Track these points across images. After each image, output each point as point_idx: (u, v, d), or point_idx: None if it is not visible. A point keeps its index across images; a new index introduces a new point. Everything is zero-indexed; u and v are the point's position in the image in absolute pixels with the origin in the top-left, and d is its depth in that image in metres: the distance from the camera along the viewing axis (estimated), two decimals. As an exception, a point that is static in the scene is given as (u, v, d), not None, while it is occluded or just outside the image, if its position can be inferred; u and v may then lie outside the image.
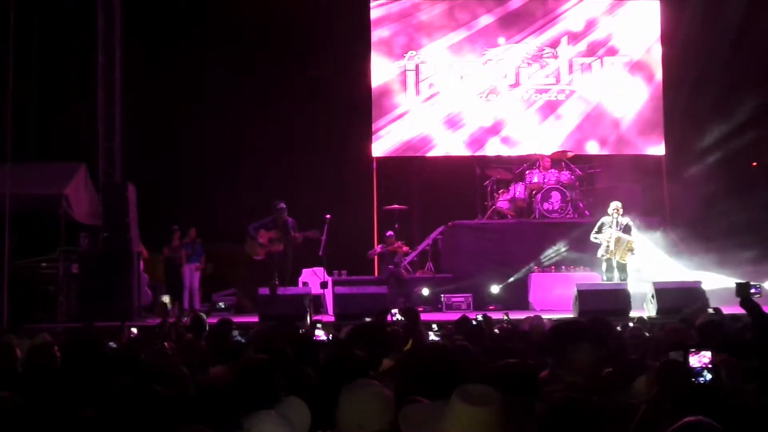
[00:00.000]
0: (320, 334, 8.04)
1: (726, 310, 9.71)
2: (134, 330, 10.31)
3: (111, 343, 8.02)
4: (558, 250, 17.15)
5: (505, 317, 11.39)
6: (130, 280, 15.57)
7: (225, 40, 19.81)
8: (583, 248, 16.54)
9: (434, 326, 9.29)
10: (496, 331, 9.75)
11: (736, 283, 7.93)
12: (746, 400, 4.62)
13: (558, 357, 4.95)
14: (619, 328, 8.82)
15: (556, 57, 20.33)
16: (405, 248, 17.81)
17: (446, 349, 4.91)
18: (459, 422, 3.27)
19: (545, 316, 11.52)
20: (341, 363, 4.96)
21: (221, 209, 19.00)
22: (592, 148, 20.30)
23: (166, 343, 7.96)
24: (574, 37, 20.38)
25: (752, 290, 7.86)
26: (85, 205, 16.90)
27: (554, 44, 20.34)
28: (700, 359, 4.70)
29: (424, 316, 13.96)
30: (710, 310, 9.83)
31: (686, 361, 4.64)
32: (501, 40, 20.30)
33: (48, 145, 18.24)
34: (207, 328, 9.57)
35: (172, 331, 9.85)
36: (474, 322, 9.42)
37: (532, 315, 11.42)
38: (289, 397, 3.80)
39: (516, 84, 20.30)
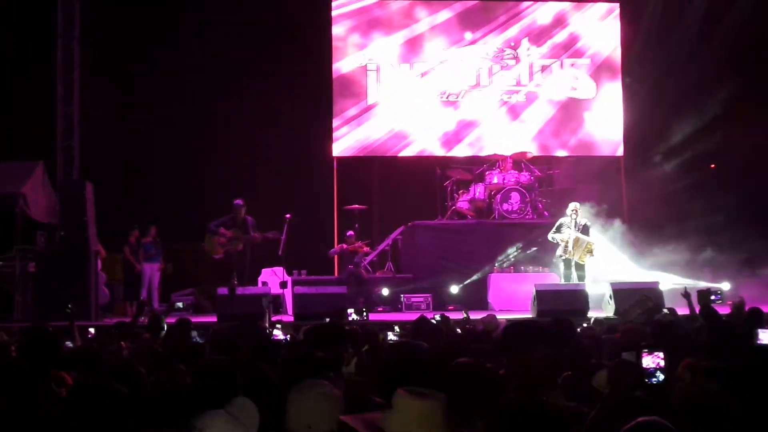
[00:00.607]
0: (278, 333, 8.04)
1: (681, 311, 9.82)
2: (91, 330, 10.22)
3: (68, 343, 8.00)
4: (517, 250, 17.23)
5: (465, 316, 11.39)
6: (87, 279, 15.42)
7: (184, 39, 19.64)
8: (542, 249, 16.66)
9: (396, 328, 9.31)
10: (459, 330, 9.77)
11: (698, 291, 7.98)
12: (709, 400, 4.67)
13: (511, 357, 4.98)
14: (578, 330, 8.86)
15: (517, 60, 20.38)
16: (366, 248, 17.81)
17: (409, 350, 4.92)
18: (402, 416, 3.32)
19: (504, 316, 11.56)
20: (301, 363, 4.96)
21: (180, 208, 18.90)
22: (553, 149, 20.40)
23: (123, 343, 7.91)
24: (535, 39, 20.44)
25: (713, 297, 7.94)
26: (42, 204, 16.73)
27: (515, 45, 20.39)
28: (653, 359, 4.77)
29: (383, 317, 14.00)
30: (665, 311, 9.94)
31: (639, 362, 4.70)
32: (467, 35, 20.27)
33: (5, 143, 18.06)
34: (165, 328, 9.52)
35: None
36: (433, 322, 9.44)
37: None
38: (239, 396, 3.81)
39: (477, 85, 20.31)
